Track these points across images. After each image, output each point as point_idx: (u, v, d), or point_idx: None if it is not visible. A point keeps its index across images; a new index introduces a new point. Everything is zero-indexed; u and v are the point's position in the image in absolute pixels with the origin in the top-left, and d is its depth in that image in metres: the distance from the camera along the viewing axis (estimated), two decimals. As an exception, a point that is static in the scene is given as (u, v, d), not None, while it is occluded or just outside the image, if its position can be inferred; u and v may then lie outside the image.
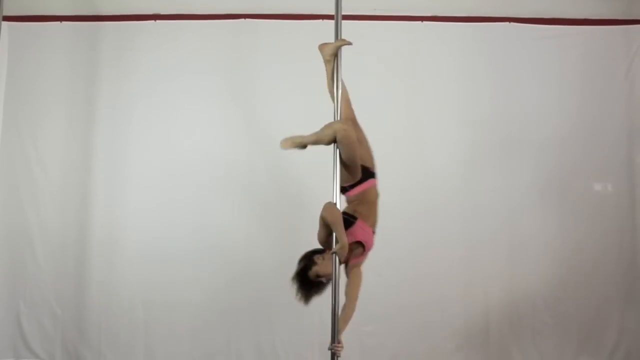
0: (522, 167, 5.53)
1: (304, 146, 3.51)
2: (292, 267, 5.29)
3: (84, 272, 5.53)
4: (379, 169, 5.29)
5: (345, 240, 3.41)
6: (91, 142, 5.63)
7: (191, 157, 5.52)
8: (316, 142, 3.49)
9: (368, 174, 3.63)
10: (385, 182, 5.34)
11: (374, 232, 3.65)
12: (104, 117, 5.65)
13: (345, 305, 3.52)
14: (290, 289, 5.18)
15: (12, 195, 5.58)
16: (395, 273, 5.37)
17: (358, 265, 3.63)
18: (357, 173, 3.55)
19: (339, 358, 3.46)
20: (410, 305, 5.34)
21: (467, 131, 5.53)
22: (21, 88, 5.67)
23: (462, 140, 5.53)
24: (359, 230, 3.56)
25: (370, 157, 3.69)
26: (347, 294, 3.55)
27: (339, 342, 3.44)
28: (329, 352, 3.45)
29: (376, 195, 3.67)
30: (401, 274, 5.38)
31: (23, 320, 5.49)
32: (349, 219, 3.53)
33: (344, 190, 3.59)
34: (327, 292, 3.57)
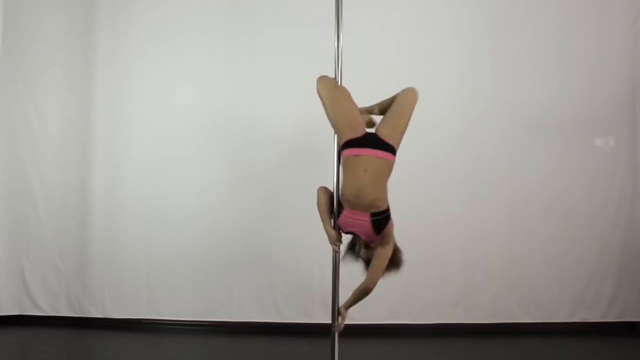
0: (523, 121, 5.50)
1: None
2: (294, 222, 5.35)
3: (86, 227, 5.57)
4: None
5: (329, 231, 3.30)
6: (90, 98, 5.60)
7: (191, 112, 5.50)
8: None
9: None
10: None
11: (351, 204, 3.23)
12: (103, 72, 5.61)
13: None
14: (292, 242, 5.28)
15: (13, 153, 5.58)
16: (395, 227, 5.38)
17: (382, 244, 3.39)
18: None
19: (338, 323, 3.41)
20: (410, 260, 5.32)
21: (467, 85, 5.49)
22: (18, 44, 5.59)
23: (462, 94, 5.49)
24: (344, 219, 3.28)
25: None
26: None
27: (340, 314, 3.39)
28: (330, 304, 3.45)
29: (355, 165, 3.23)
30: (401, 228, 5.36)
31: (27, 276, 5.56)
32: (339, 210, 3.30)
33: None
34: (326, 251, 3.48)
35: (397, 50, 5.48)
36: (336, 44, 3.51)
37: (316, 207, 3.37)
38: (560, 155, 5.51)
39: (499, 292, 5.43)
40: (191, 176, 5.49)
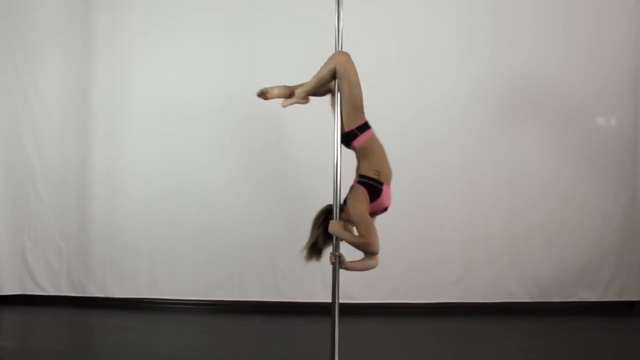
0: (524, 100, 5.48)
1: (305, 98, 3.39)
2: (293, 200, 5.34)
3: (87, 206, 5.57)
4: (380, 103, 5.29)
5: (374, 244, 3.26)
6: (90, 77, 5.57)
7: (191, 91, 5.47)
8: (318, 84, 3.29)
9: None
10: (386, 115, 5.35)
11: (388, 180, 3.40)
12: (102, 51, 5.57)
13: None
14: (292, 221, 5.28)
15: (12, 133, 5.57)
16: (396, 207, 5.35)
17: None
18: (363, 111, 3.25)
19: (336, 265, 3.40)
20: (410, 239, 5.39)
21: (469, 64, 5.46)
22: (17, 25, 5.54)
23: (462, 74, 5.46)
24: (387, 197, 3.36)
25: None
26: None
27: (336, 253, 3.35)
28: (331, 283, 3.45)
29: (381, 145, 3.32)
30: (402, 207, 5.37)
31: (28, 255, 5.58)
32: (375, 185, 3.28)
33: (351, 137, 3.23)
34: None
35: (397, 30, 5.44)
36: (336, 22, 3.48)
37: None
38: (561, 135, 5.50)
39: (498, 271, 5.45)
40: (191, 155, 5.48)
